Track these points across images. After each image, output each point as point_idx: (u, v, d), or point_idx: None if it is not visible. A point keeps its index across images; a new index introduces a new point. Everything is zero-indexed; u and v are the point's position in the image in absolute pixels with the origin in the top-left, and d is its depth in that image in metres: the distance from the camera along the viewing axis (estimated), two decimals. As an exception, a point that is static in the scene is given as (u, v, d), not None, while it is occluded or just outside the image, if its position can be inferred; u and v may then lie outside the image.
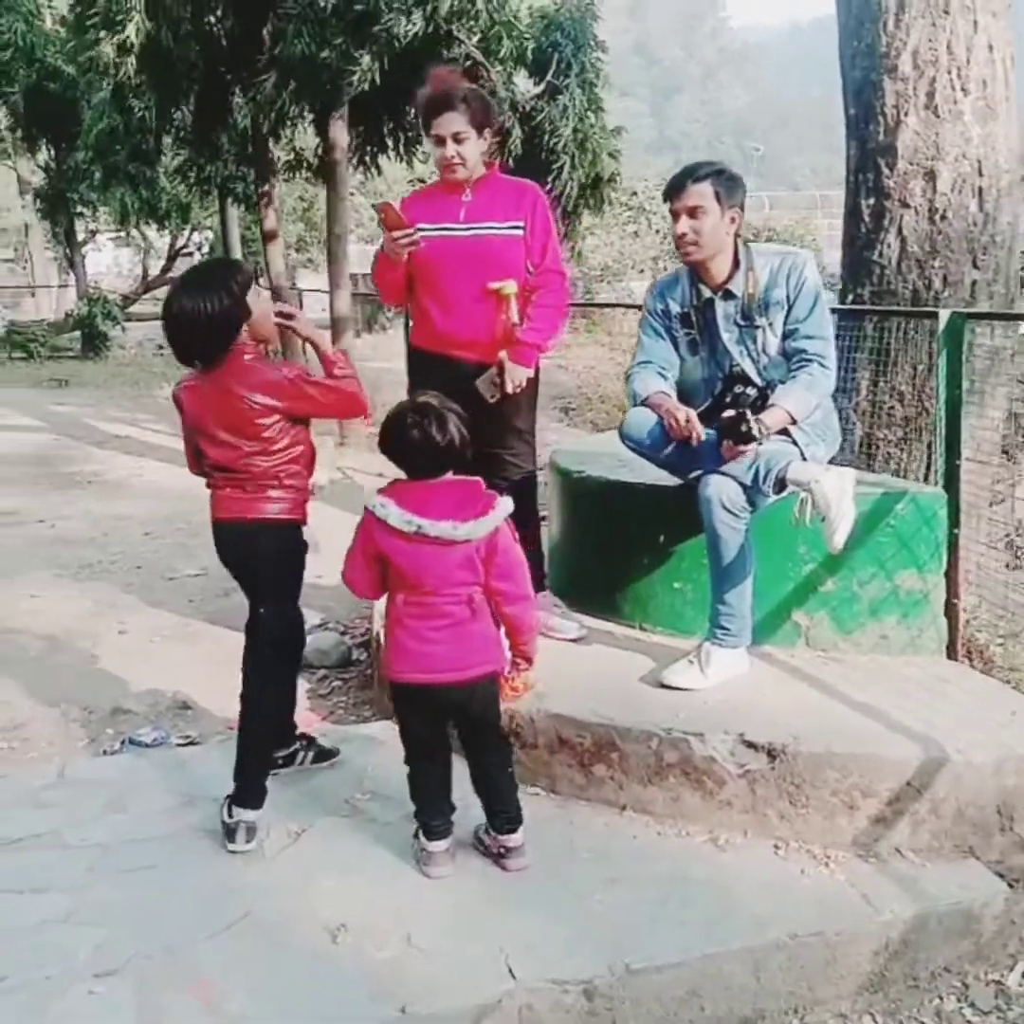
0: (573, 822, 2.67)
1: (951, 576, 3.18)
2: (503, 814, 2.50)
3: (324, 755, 3.05)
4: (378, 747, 3.10)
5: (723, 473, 2.87)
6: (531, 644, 2.54)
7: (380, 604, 3.74)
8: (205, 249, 24.88)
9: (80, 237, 25.77)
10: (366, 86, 8.12)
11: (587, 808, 2.73)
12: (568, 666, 2.97)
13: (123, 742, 3.48)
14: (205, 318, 2.49)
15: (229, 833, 2.57)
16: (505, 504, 2.41)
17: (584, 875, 2.45)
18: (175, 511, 6.57)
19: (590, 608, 3.49)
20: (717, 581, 2.96)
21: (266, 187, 11.03)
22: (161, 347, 16.55)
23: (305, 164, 12.64)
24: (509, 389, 3.08)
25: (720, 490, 2.85)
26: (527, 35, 9.21)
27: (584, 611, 3.48)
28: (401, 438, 2.37)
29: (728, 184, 2.96)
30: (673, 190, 2.98)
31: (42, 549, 5.92)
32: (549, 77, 9.19)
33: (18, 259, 32.79)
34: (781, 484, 2.84)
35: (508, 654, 2.51)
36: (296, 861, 2.53)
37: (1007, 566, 4.04)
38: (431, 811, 2.49)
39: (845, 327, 4.49)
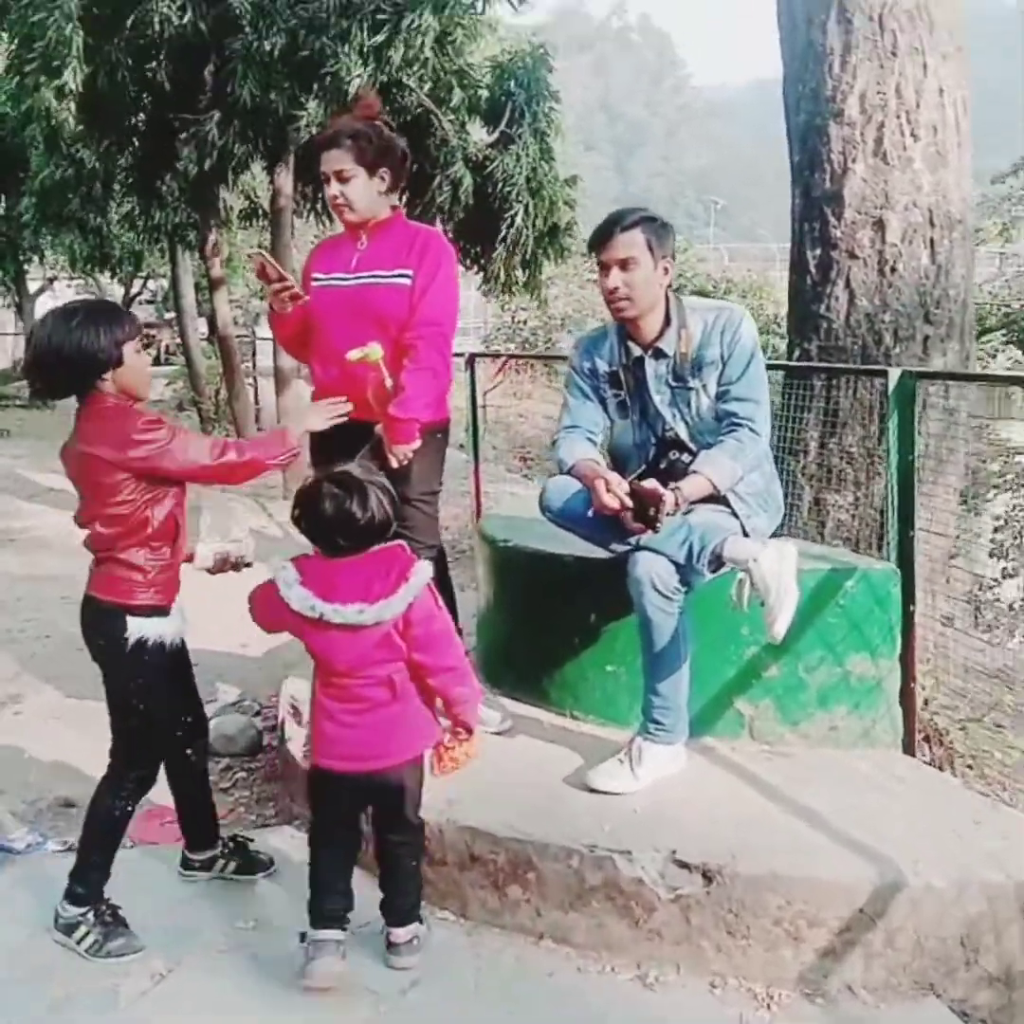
0: (481, 954, 2.33)
1: (906, 660, 2.90)
2: (397, 904, 2.30)
3: (251, 866, 2.70)
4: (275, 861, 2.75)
5: (654, 549, 2.59)
6: (468, 714, 2.30)
7: (288, 686, 3.44)
8: (159, 297, 24.63)
9: (37, 284, 25.41)
10: (314, 131, 7.92)
11: (500, 937, 2.39)
12: (485, 767, 2.63)
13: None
14: (61, 351, 2.21)
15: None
16: (420, 572, 2.18)
17: (487, 1021, 2.11)
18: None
19: (517, 692, 3.18)
20: (649, 669, 2.65)
21: (212, 234, 10.79)
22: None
23: (260, 211, 12.44)
24: (393, 465, 2.74)
25: (650, 569, 2.56)
26: (480, 84, 9.11)
27: (511, 695, 3.17)
28: (313, 513, 2.16)
29: (659, 232, 2.70)
30: (600, 240, 2.72)
31: (-52, 614, 5.53)
32: (502, 126, 9.09)
33: (-30, 306, 32.32)
34: (718, 562, 2.56)
35: (445, 722, 2.30)
36: (150, 1015, 2.15)
37: (967, 633, 3.77)
38: (325, 894, 2.25)
39: (792, 384, 4.27)
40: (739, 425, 2.69)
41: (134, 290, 25.55)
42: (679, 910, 2.25)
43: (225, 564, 2.57)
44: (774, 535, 2.84)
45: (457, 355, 3.38)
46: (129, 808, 2.45)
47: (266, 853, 2.76)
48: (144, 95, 9.39)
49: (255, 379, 14.68)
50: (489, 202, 9.12)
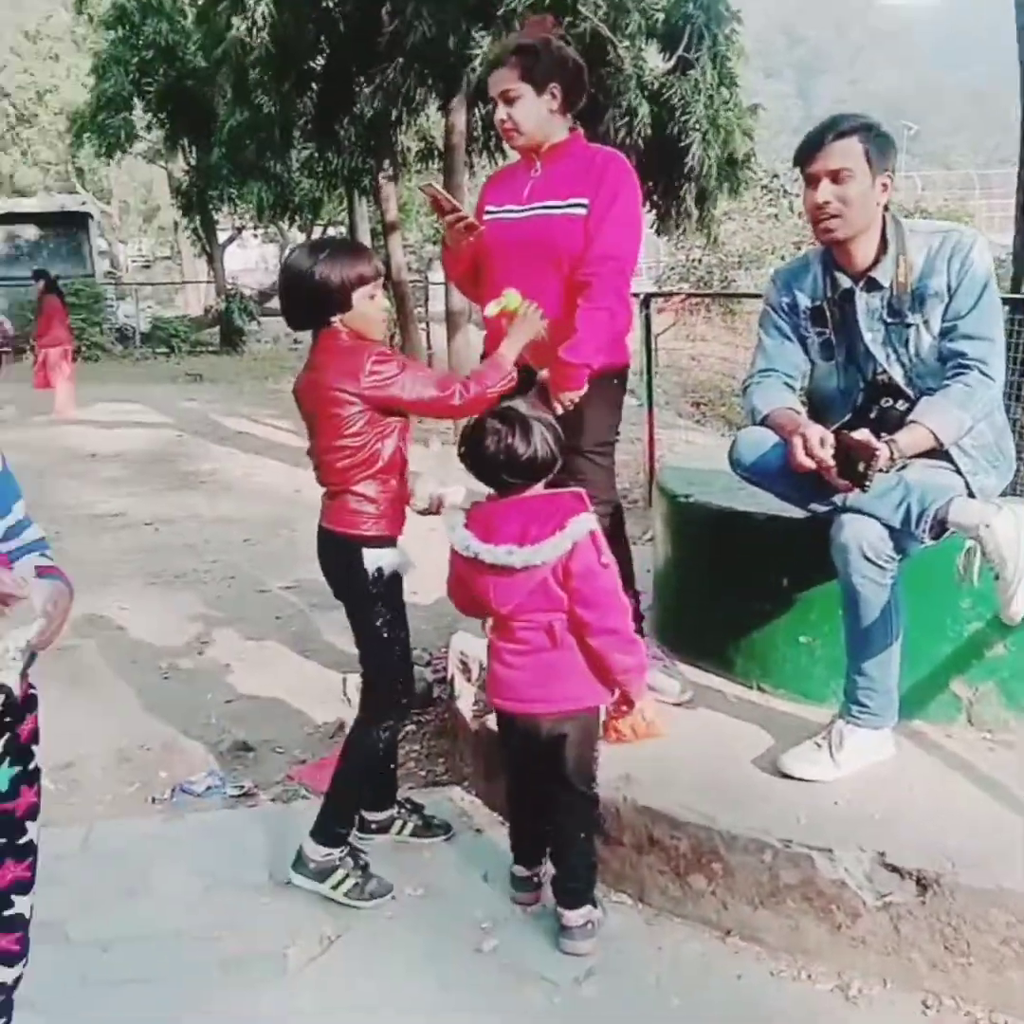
0: (663, 947, 2.15)
1: None
2: (568, 884, 2.20)
3: (430, 829, 2.64)
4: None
5: (863, 511, 2.29)
6: (631, 684, 2.17)
7: (457, 640, 3.34)
8: (339, 243, 25.15)
9: (226, 234, 26.47)
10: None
11: (682, 928, 2.20)
12: (664, 741, 2.43)
13: (173, 790, 3.17)
14: (299, 285, 2.26)
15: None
16: (580, 523, 2.05)
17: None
18: (280, 516, 6.36)
19: (699, 659, 2.96)
20: (854, 647, 2.37)
21: (385, 178, 10.78)
22: (297, 341, 16.68)
23: (436, 153, 12.35)
24: (558, 411, 2.50)
25: (859, 535, 2.26)
26: (657, 6, 8.61)
27: (692, 662, 2.95)
28: (476, 450, 2.11)
29: (879, 142, 2.33)
30: (810, 148, 2.35)
31: (142, 555, 5.77)
32: (680, 51, 8.58)
33: (174, 257, 34.04)
34: (940, 527, 2.23)
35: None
36: (319, 982, 2.10)
37: None
38: (518, 835, 2.35)
39: (1015, 321, 3.78)
40: (968, 367, 2.33)
41: (314, 237, 26.22)
42: (888, 919, 2.00)
43: (438, 507, 2.52)
44: (1002, 496, 2.48)
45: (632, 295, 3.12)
46: (392, 741, 2.49)
47: (442, 819, 2.68)
48: (322, 38, 9.43)
49: (427, 324, 14.77)
50: (665, 134, 8.66)
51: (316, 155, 13.17)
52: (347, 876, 2.35)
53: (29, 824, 1.55)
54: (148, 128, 18.84)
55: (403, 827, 2.64)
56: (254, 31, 8.30)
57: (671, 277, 18.47)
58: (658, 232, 10.51)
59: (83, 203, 21.88)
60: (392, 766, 2.64)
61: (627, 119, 8.43)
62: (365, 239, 16.73)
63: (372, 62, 8.72)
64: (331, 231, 26.08)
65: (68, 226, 19.93)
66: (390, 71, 8.36)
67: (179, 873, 2.48)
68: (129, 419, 10.60)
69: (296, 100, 10.82)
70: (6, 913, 1.54)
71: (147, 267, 37.59)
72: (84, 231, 20.09)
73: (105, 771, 3.27)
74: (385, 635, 2.37)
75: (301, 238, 26.29)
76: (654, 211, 9.60)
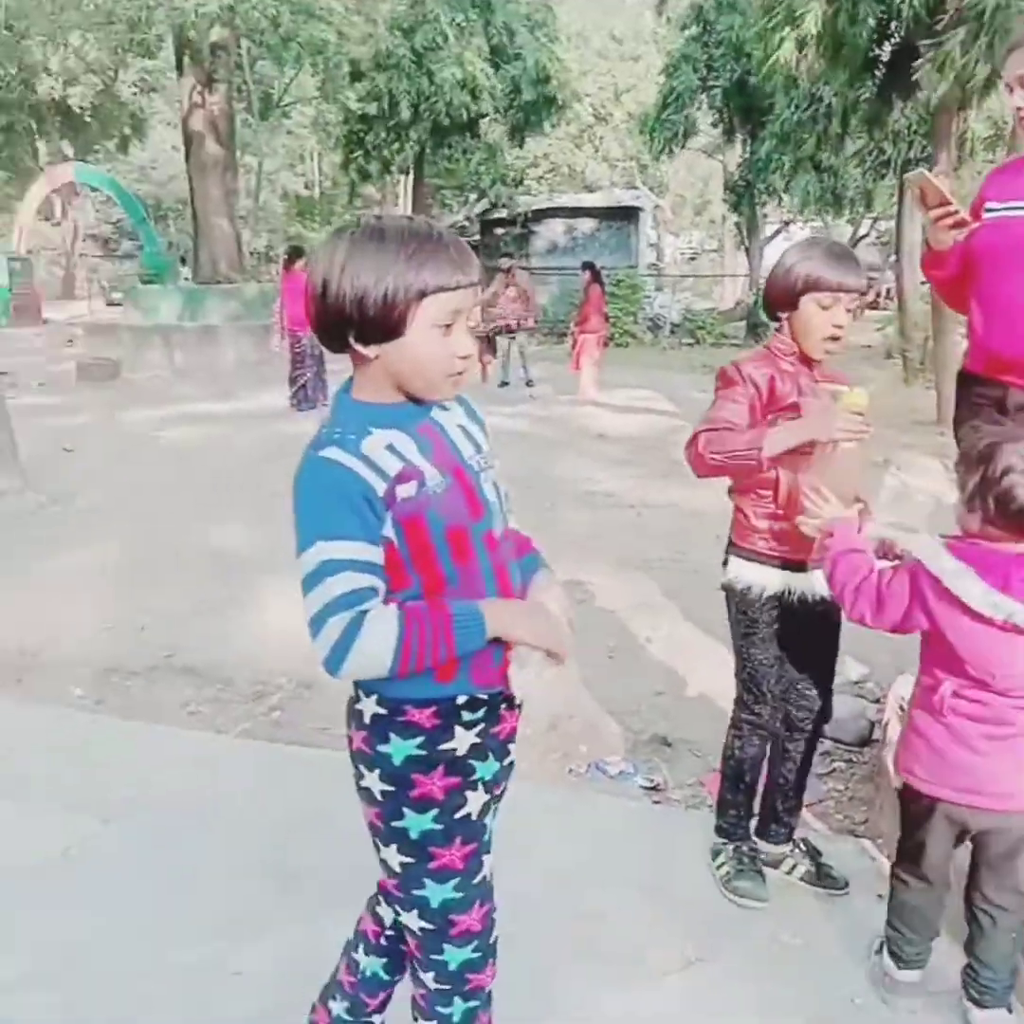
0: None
1: None
2: (981, 978, 1.94)
3: (821, 879, 2.46)
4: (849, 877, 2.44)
5: None
6: None
7: (899, 684, 3.00)
8: (883, 238, 23.95)
9: (774, 227, 26.53)
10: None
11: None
12: None
13: (589, 766, 3.28)
14: (773, 270, 2.27)
15: None
16: None
17: None
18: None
19: None
20: None
21: (940, 171, 9.95)
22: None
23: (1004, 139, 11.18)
24: None
25: None
26: None
27: None
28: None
29: None
30: None
31: (619, 536, 6.02)
32: None
33: (719, 250, 35.05)
34: None
35: None
36: (677, 997, 2.03)
37: None
38: (906, 932, 2.02)
39: None
40: None
41: (862, 231, 25.25)
42: None
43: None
44: None
45: None
46: (746, 753, 2.41)
47: (841, 872, 2.45)
48: (882, 23, 8.96)
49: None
50: None
51: (869, 144, 12.63)
52: (724, 863, 2.41)
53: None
54: (714, 125, 19.49)
55: (794, 868, 2.48)
56: (804, 46, 8.15)
57: None
58: None
59: (637, 197, 23.36)
60: (799, 797, 2.50)
61: None
62: (913, 233, 15.69)
63: (935, 42, 8.07)
64: (881, 225, 24.87)
65: (620, 219, 21.43)
66: (951, 47, 7.65)
67: (554, 849, 2.55)
68: (640, 405, 11.13)
69: (854, 90, 10.44)
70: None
71: (693, 259, 39.13)
72: (634, 224, 21.44)
73: (534, 735, 3.47)
74: (742, 651, 2.34)
75: (847, 232, 25.47)
76: None
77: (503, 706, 1.50)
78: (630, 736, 3.46)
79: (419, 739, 1.43)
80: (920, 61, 8.44)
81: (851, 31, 8.36)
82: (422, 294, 1.33)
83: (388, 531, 1.36)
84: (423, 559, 1.39)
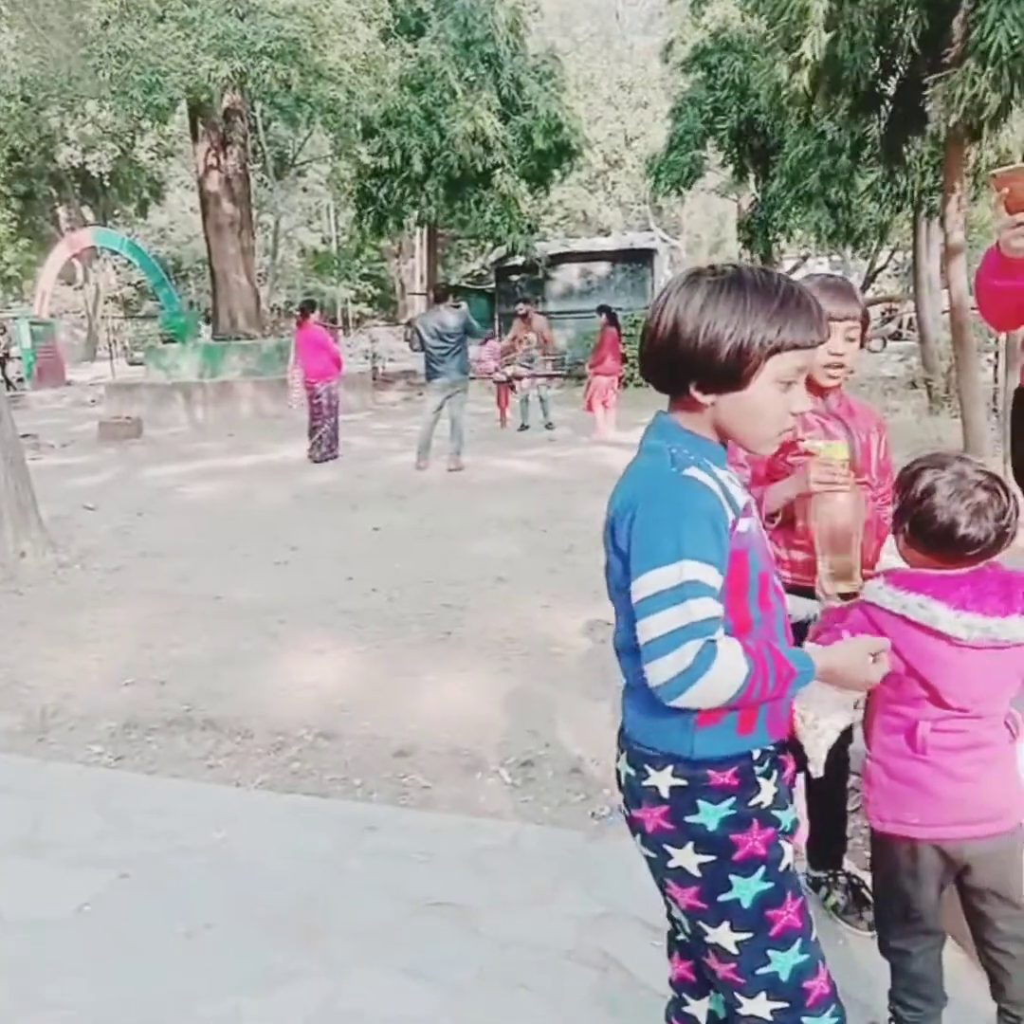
0: None
1: None
2: (1011, 1018, 1.86)
3: (850, 912, 2.39)
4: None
5: None
6: None
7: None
8: (903, 270, 23.99)
9: (790, 263, 26.65)
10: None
11: None
12: None
13: (611, 809, 3.20)
14: None
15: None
16: None
17: None
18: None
19: None
20: None
21: (956, 196, 9.94)
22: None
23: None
24: None
25: None
26: None
27: None
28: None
29: None
30: None
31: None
32: None
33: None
34: None
35: None
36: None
37: None
38: (917, 1004, 1.86)
39: None
40: None
41: (879, 263, 25.30)
42: None
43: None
44: None
45: None
46: (821, 788, 2.29)
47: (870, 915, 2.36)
48: (886, 56, 9.02)
49: (997, 356, 13.30)
50: None
51: (883, 178, 12.66)
52: (829, 894, 2.43)
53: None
54: (722, 165, 19.68)
55: (827, 896, 2.43)
56: (799, 69, 8.21)
57: None
58: None
59: (651, 240, 23.59)
60: (838, 829, 2.50)
61: None
62: (929, 264, 15.68)
63: (942, 76, 8.11)
64: (898, 256, 24.89)
65: (634, 262, 21.58)
66: (957, 81, 7.69)
67: (578, 893, 2.48)
68: (656, 443, 11.10)
69: (862, 123, 10.49)
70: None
71: (710, 298, 39.32)
72: (648, 266, 21.59)
73: (557, 776, 3.41)
74: None
75: (863, 265, 25.52)
76: None
77: (782, 754, 1.47)
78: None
79: (730, 799, 1.37)
80: (928, 93, 8.47)
81: (851, 57, 8.39)
82: (776, 350, 1.32)
83: None
84: (738, 598, 1.36)
